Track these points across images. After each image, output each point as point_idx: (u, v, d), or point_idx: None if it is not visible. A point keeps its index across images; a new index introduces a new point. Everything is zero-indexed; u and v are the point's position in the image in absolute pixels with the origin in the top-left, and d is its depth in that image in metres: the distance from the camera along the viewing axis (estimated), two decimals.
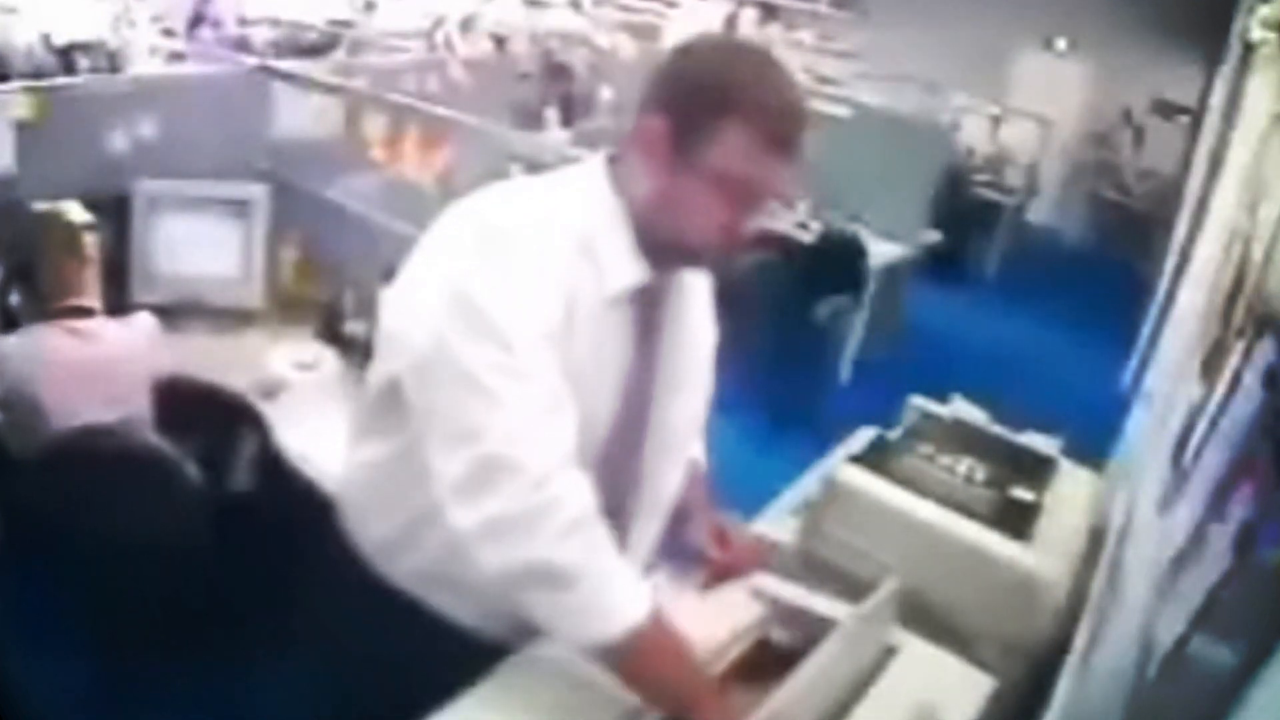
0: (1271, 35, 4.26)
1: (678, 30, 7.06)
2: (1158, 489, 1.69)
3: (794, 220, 5.15)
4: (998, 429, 1.88)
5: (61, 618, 2.45)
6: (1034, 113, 8.53)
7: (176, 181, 2.91)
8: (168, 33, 5.35)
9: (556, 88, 5.91)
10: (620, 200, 1.26)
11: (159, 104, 3.00)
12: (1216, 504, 1.17)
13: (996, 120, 8.45)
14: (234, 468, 2.73)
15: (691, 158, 1.21)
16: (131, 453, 2.32)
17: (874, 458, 1.61)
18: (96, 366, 2.31)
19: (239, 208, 2.98)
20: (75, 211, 2.45)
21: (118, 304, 2.51)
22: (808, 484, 1.86)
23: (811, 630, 1.32)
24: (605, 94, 6.00)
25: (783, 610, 1.41)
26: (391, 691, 1.28)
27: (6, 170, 2.64)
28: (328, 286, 3.04)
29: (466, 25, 6.55)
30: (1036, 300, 7.24)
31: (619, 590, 1.18)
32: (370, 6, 6.80)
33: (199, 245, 2.95)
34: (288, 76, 3.27)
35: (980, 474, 1.63)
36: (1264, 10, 4.39)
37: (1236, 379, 1.42)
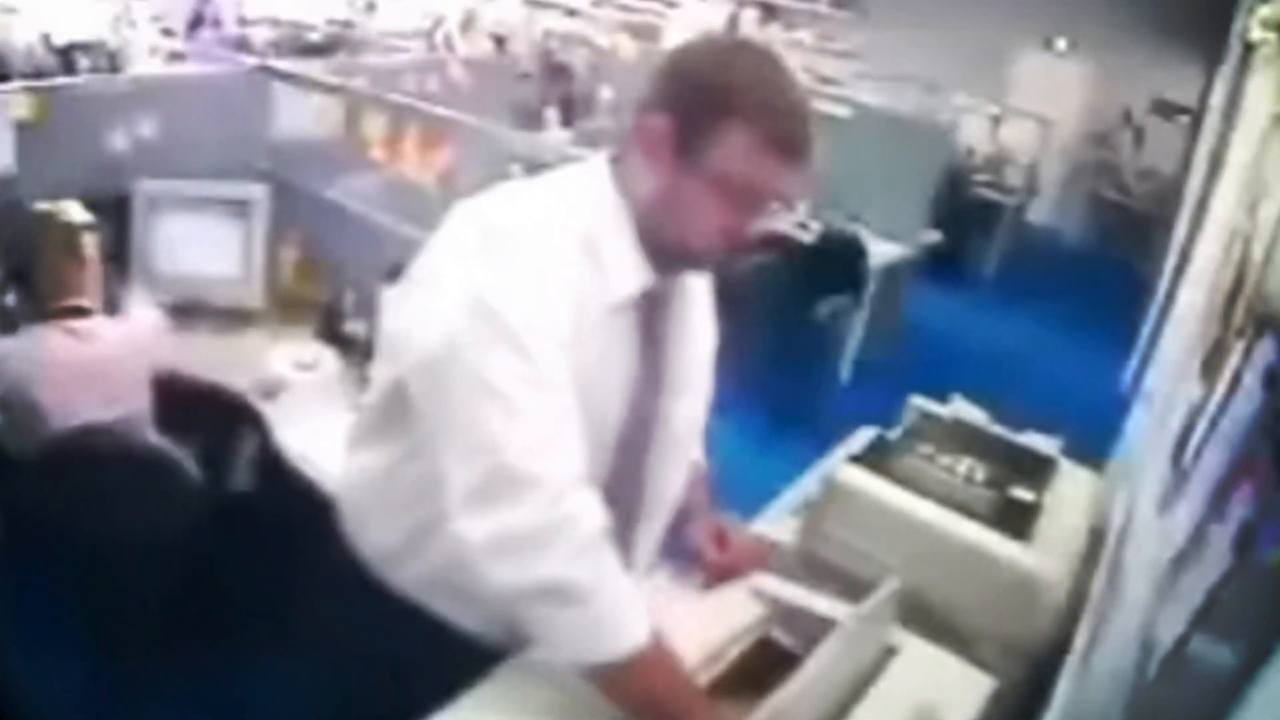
0: (1271, 35, 4.26)
1: (678, 30, 7.07)
2: (1158, 489, 1.69)
3: (794, 220, 5.14)
4: (998, 429, 1.88)
5: (61, 618, 2.45)
6: (1034, 113, 8.53)
7: (176, 181, 2.91)
8: (167, 33, 5.35)
9: (556, 88, 5.91)
10: (624, 201, 1.26)
11: (159, 104, 3.00)
12: (1216, 504, 1.17)
13: (996, 120, 8.45)
14: (234, 467, 2.73)
15: (694, 158, 1.20)
16: (131, 452, 2.32)
17: (874, 458, 1.61)
18: (95, 366, 2.31)
19: (239, 208, 2.98)
20: (73, 211, 2.45)
21: (118, 304, 2.50)
22: (808, 484, 1.86)
23: (812, 630, 1.32)
24: (605, 94, 5.99)
25: (783, 610, 1.41)
26: (390, 692, 1.28)
27: (6, 170, 2.64)
28: (328, 286, 3.03)
29: (466, 25, 6.55)
30: (1036, 300, 7.24)
31: (626, 609, 1.17)
32: (370, 7, 6.80)
33: (199, 245, 2.95)
34: (288, 76, 3.27)
35: (980, 474, 1.63)
36: (1264, 10, 4.39)
37: (1236, 379, 1.42)
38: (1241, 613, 0.93)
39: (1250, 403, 1.24)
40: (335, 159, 3.11)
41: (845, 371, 5.28)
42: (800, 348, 4.93)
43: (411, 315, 1.24)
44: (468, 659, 1.28)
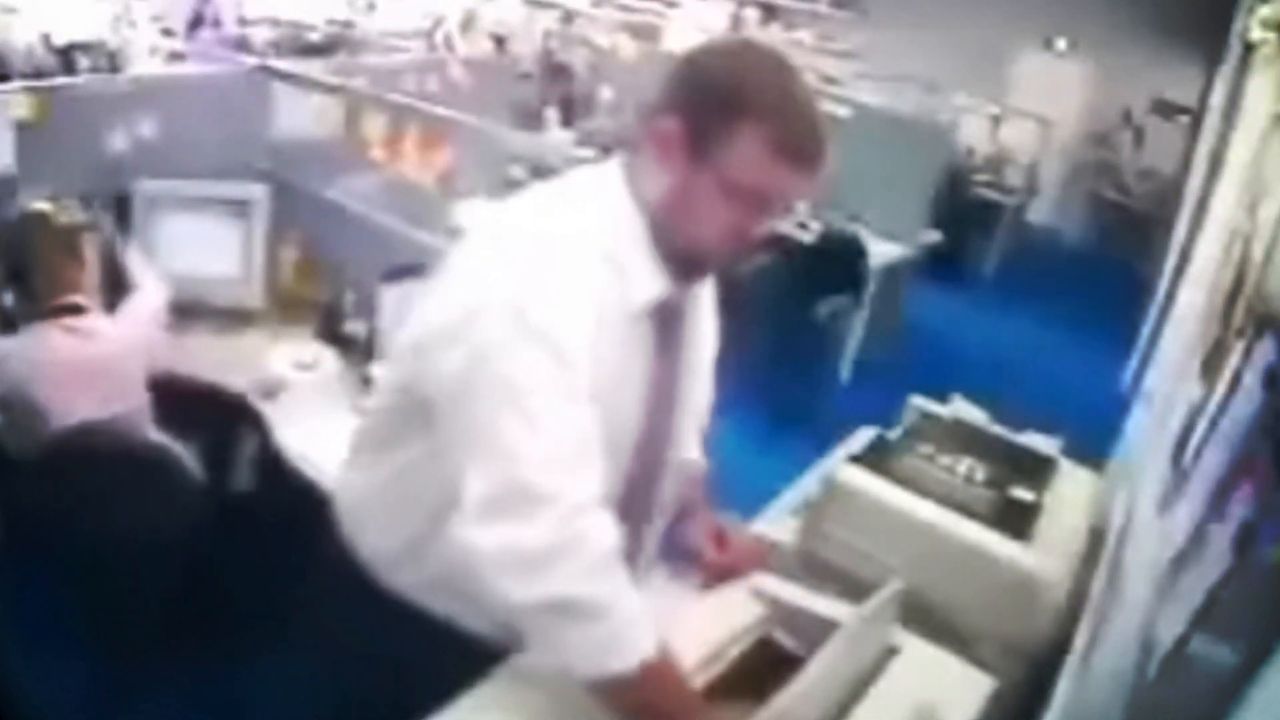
0: (1271, 35, 4.26)
1: (678, 30, 7.07)
2: (1158, 489, 1.69)
3: (794, 220, 5.14)
4: (998, 429, 1.88)
5: (61, 618, 2.45)
6: (1034, 113, 8.53)
7: (176, 181, 2.91)
8: (167, 33, 5.35)
9: (556, 88, 5.91)
10: (637, 206, 1.25)
11: (159, 104, 3.00)
12: (1216, 504, 1.17)
13: (996, 120, 8.45)
14: (234, 467, 2.74)
15: (707, 160, 1.20)
16: (131, 451, 2.32)
17: (874, 458, 1.61)
18: (94, 364, 2.31)
19: (239, 208, 2.98)
20: (69, 210, 2.45)
21: (117, 304, 2.50)
22: (808, 484, 1.86)
23: (812, 631, 1.32)
24: (605, 94, 5.99)
25: (783, 611, 1.41)
26: (390, 692, 1.28)
27: (6, 170, 2.64)
28: (328, 286, 3.03)
29: (466, 25, 6.55)
30: (1036, 300, 7.24)
31: (633, 625, 1.16)
32: (370, 6, 6.81)
33: (199, 245, 2.95)
34: (288, 76, 3.27)
35: (980, 474, 1.63)
36: (1264, 10, 4.39)
37: (1236, 379, 1.42)
38: (1241, 613, 0.93)
39: (1250, 403, 1.24)
40: (335, 159, 3.11)
41: (845, 371, 5.28)
42: (800, 348, 4.93)
43: (438, 321, 1.22)
44: (467, 659, 1.28)
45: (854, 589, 1.39)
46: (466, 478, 1.16)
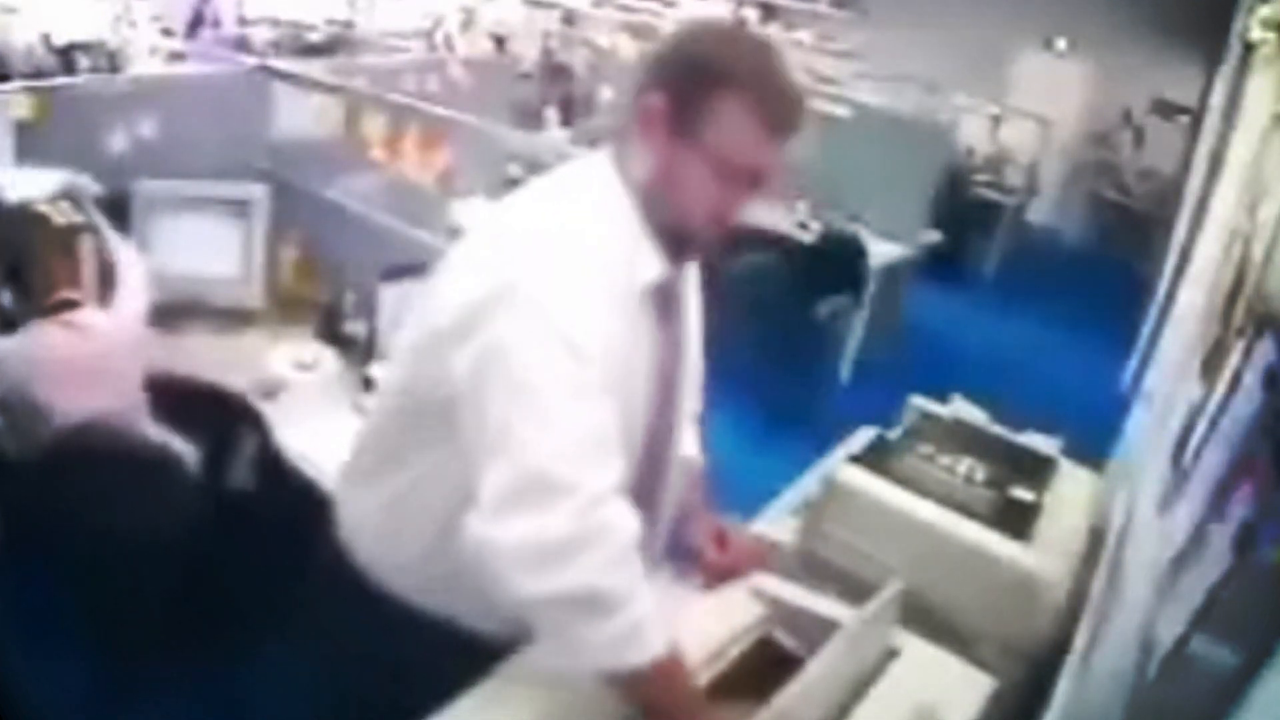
0: (1271, 35, 4.26)
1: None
2: (1158, 489, 1.69)
3: (794, 220, 5.15)
4: (998, 429, 1.88)
5: (61, 618, 2.45)
6: (1034, 113, 8.52)
7: (176, 181, 2.91)
8: (166, 32, 5.35)
9: (556, 88, 5.91)
10: (627, 188, 1.27)
11: (159, 104, 3.00)
12: (1216, 504, 1.17)
13: (996, 120, 8.45)
14: (234, 467, 2.73)
15: (689, 133, 1.22)
16: (130, 451, 2.32)
17: (874, 458, 1.61)
18: (93, 358, 2.30)
19: (239, 208, 2.98)
20: (63, 207, 2.45)
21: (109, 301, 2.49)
22: (808, 484, 1.86)
23: (812, 631, 1.32)
24: (605, 94, 6.00)
25: (784, 611, 1.41)
26: (390, 691, 1.28)
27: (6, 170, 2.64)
28: (328, 286, 3.03)
29: (466, 25, 6.56)
30: (1036, 300, 7.24)
31: (650, 619, 1.16)
32: (371, 5, 6.81)
33: (199, 245, 2.94)
34: (288, 76, 3.27)
35: (980, 474, 1.63)
36: (1264, 10, 4.39)
37: (1236, 379, 1.42)
38: (1241, 613, 0.93)
39: (1250, 403, 1.24)
40: (335, 159, 3.11)
41: (845, 371, 5.28)
42: (800, 348, 4.93)
43: (445, 319, 1.22)
44: (467, 659, 1.28)
45: (854, 589, 1.39)
46: (482, 474, 1.15)
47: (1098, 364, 5.71)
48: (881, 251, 5.12)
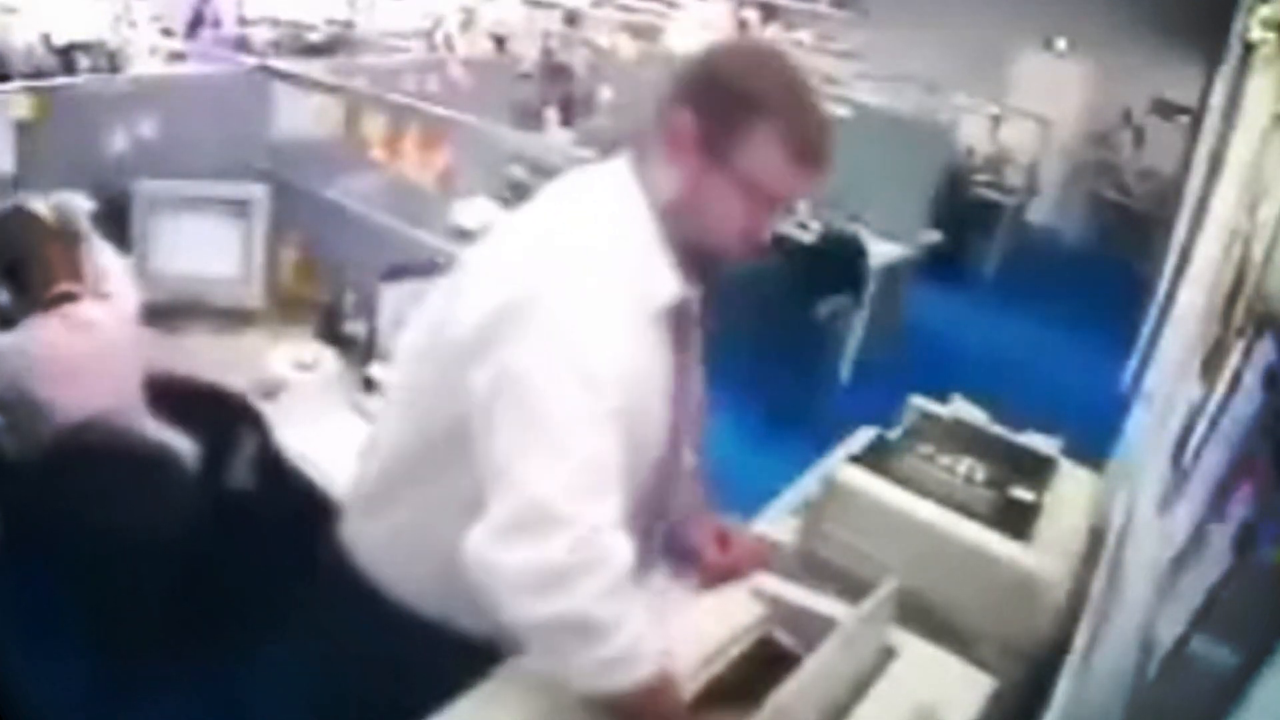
0: (1271, 35, 4.26)
1: (678, 30, 7.07)
2: (1158, 489, 1.69)
3: (794, 220, 5.15)
4: (998, 429, 1.88)
5: (61, 617, 2.45)
6: (1034, 113, 8.53)
7: (176, 181, 2.91)
8: (166, 32, 5.35)
9: (556, 88, 5.91)
10: (648, 203, 1.26)
11: (159, 104, 3.00)
12: (1216, 504, 1.17)
13: (996, 120, 8.45)
14: (234, 467, 2.73)
15: (720, 158, 1.22)
16: (130, 450, 2.32)
17: (874, 458, 1.61)
18: (91, 351, 2.30)
19: (239, 208, 2.98)
20: (61, 210, 2.45)
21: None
22: (808, 484, 1.86)
23: (812, 630, 1.32)
24: (605, 94, 6.00)
25: (783, 610, 1.41)
26: (389, 692, 1.28)
27: (6, 170, 2.64)
28: (328, 286, 3.03)
29: (466, 25, 6.56)
30: (1036, 300, 7.24)
31: (640, 644, 1.17)
32: (371, 5, 6.80)
33: (199, 245, 2.95)
34: (288, 76, 3.28)
35: (980, 474, 1.63)
36: (1264, 10, 4.39)
37: (1236, 379, 1.42)
38: (1241, 613, 0.93)
39: (1250, 403, 1.24)
40: (335, 159, 3.11)
41: (845, 371, 5.28)
42: (800, 348, 4.93)
43: (462, 336, 1.21)
44: (467, 659, 1.28)
45: (854, 589, 1.39)
46: (489, 497, 1.16)
47: (1098, 364, 5.71)
48: (881, 251, 5.12)
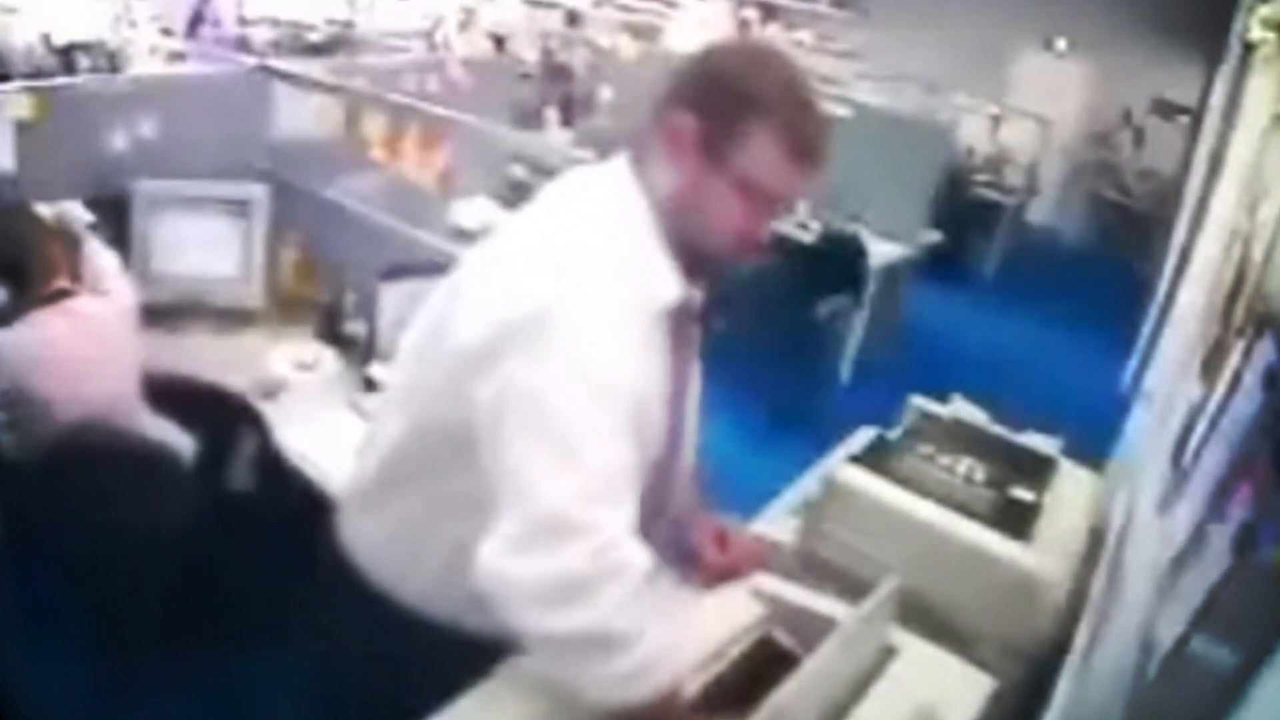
0: (1271, 35, 4.26)
1: (678, 30, 7.07)
2: (1158, 489, 1.69)
3: (794, 220, 5.15)
4: (998, 429, 1.88)
5: (61, 617, 2.45)
6: (1034, 113, 8.53)
7: (176, 181, 2.91)
8: (166, 32, 5.35)
9: (556, 88, 5.91)
10: (648, 204, 1.26)
11: (159, 104, 3.00)
12: (1216, 504, 1.17)
13: (996, 120, 8.45)
14: (234, 467, 2.73)
15: (719, 157, 1.22)
16: (130, 450, 2.32)
17: (874, 458, 1.61)
18: (90, 344, 2.30)
19: (239, 208, 2.98)
20: (61, 212, 2.46)
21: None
22: (808, 484, 1.86)
23: (811, 630, 1.32)
24: (605, 94, 5.99)
25: (783, 610, 1.41)
26: (389, 691, 1.28)
27: (6, 170, 2.64)
28: (328, 286, 3.03)
29: (464, 25, 6.55)
30: (1036, 300, 7.24)
31: (657, 656, 1.17)
32: (371, 5, 6.80)
33: (199, 245, 2.95)
34: (288, 76, 3.27)
35: (980, 474, 1.63)
36: (1264, 10, 4.39)
37: (1236, 379, 1.42)
38: (1241, 613, 0.93)
39: (1250, 403, 1.24)
40: (335, 159, 3.11)
41: (845, 371, 5.28)
42: (800, 348, 4.93)
43: (467, 343, 1.20)
44: (467, 659, 1.28)
45: (854, 589, 1.39)
46: (500, 509, 1.15)
47: (1098, 364, 5.71)
48: (881, 251, 5.12)
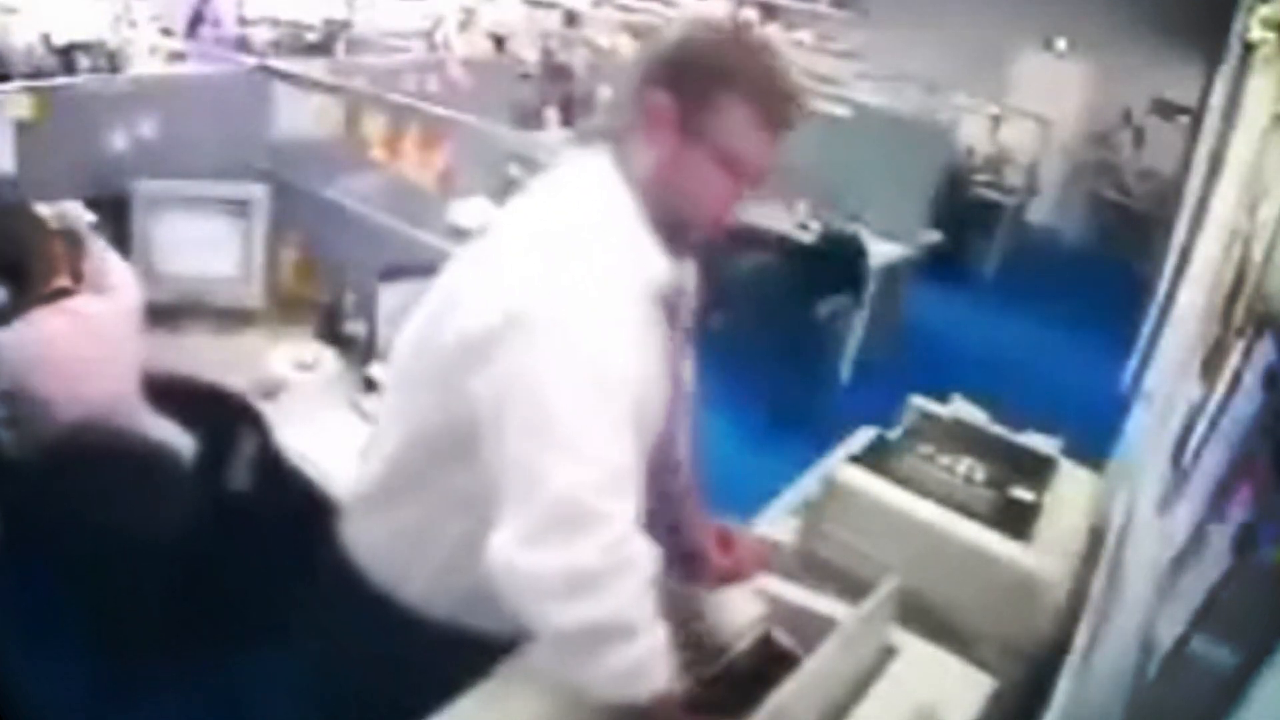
0: (1271, 35, 4.26)
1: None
2: (1158, 489, 1.69)
3: (794, 220, 5.15)
4: (998, 429, 1.88)
5: (61, 617, 2.45)
6: (1034, 113, 8.53)
7: (176, 181, 2.91)
8: (165, 32, 5.35)
9: (556, 88, 5.91)
10: (631, 188, 1.27)
11: (159, 104, 3.00)
12: (1216, 504, 1.17)
13: (996, 120, 8.45)
14: (234, 467, 2.73)
15: (695, 132, 1.25)
16: (130, 450, 2.32)
17: (874, 458, 1.62)
18: (90, 343, 2.30)
19: (239, 208, 2.98)
20: (61, 212, 2.46)
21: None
22: (808, 484, 1.86)
23: (811, 630, 1.32)
24: (605, 94, 5.99)
25: (783, 610, 1.41)
26: (389, 691, 1.28)
27: (6, 170, 2.64)
28: (328, 286, 3.04)
29: (464, 25, 6.55)
30: (1036, 300, 7.24)
31: (659, 652, 1.18)
32: (371, 5, 6.79)
33: (199, 245, 2.95)
34: (288, 76, 3.27)
35: (980, 474, 1.63)
36: (1264, 10, 4.39)
37: (1236, 379, 1.42)
38: (1241, 613, 0.93)
39: (1250, 403, 1.24)
40: (335, 159, 3.11)
41: (845, 371, 5.28)
42: (800, 348, 4.93)
43: (461, 337, 1.20)
44: (467, 658, 1.28)
45: (854, 589, 1.39)
46: (507, 503, 1.15)
47: (1098, 364, 5.71)
48: (881, 251, 5.12)
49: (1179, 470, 1.57)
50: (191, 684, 2.37)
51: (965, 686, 1.31)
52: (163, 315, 2.70)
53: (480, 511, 1.17)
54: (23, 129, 2.67)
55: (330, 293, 3.00)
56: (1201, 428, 1.52)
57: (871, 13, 9.86)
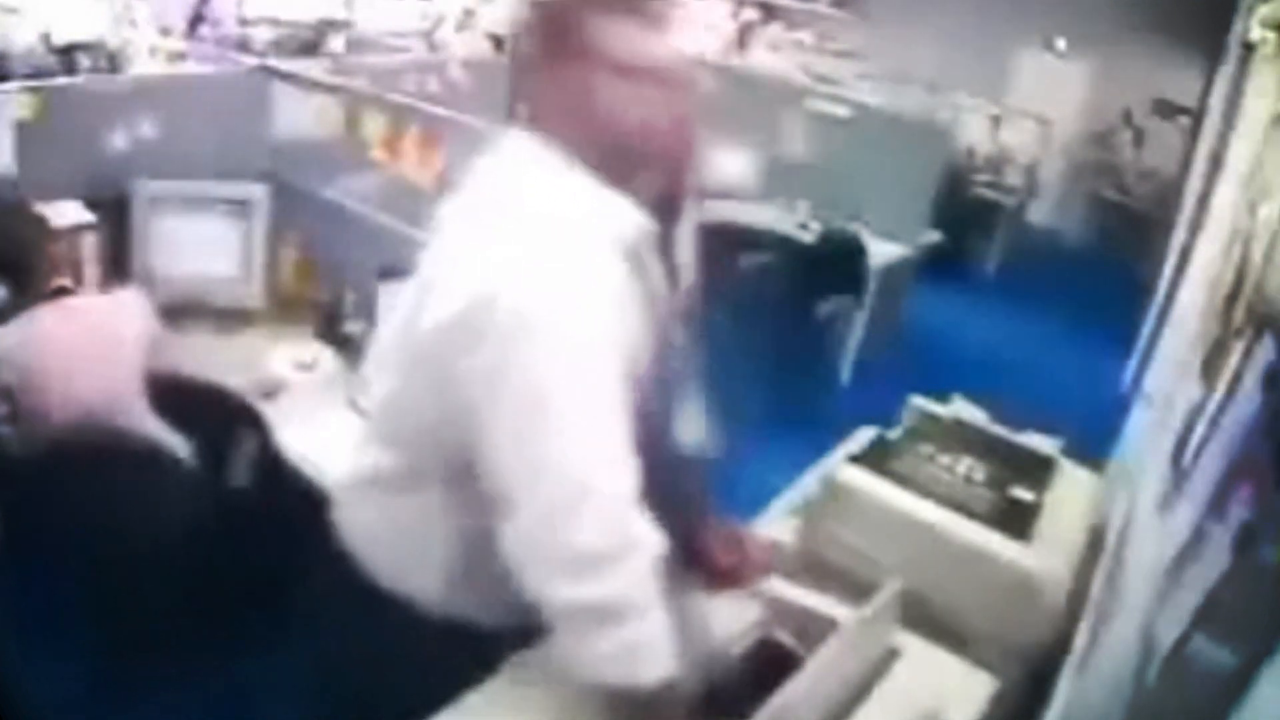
0: (1271, 35, 4.26)
1: (677, 31, 7.04)
2: (1158, 489, 1.68)
3: (794, 220, 5.14)
4: (998, 429, 1.88)
5: (61, 617, 2.45)
6: (1034, 113, 8.53)
7: (176, 181, 2.91)
8: (166, 32, 5.35)
9: None
10: (563, 152, 1.25)
11: (159, 104, 3.00)
12: (1216, 504, 1.17)
13: (996, 120, 8.45)
14: (233, 467, 2.73)
15: (579, 57, 1.23)
16: (130, 450, 2.32)
17: (874, 458, 1.62)
18: (90, 343, 2.30)
19: (239, 208, 2.98)
20: (62, 211, 2.46)
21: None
22: (808, 484, 1.86)
23: (813, 631, 1.32)
24: None
25: (784, 611, 1.41)
26: (391, 689, 1.28)
27: (6, 170, 2.64)
28: (328, 286, 3.03)
29: (462, 25, 6.55)
30: (1036, 300, 7.23)
31: (664, 638, 1.18)
32: (371, 5, 6.79)
33: (199, 245, 2.95)
34: (288, 76, 3.27)
35: (980, 474, 1.63)
36: (1264, 10, 4.39)
37: (1236, 379, 1.42)
38: (1241, 613, 0.93)
39: (1250, 403, 1.24)
40: (335, 159, 3.11)
41: (845, 371, 5.27)
42: (800, 348, 4.92)
43: (442, 324, 1.20)
44: (470, 655, 1.28)
45: (854, 589, 1.39)
46: (512, 489, 1.16)
47: (1098, 364, 5.70)
48: (881, 251, 5.12)
49: (1179, 470, 1.57)
50: (192, 683, 2.37)
51: (967, 687, 1.31)
52: (163, 315, 2.70)
53: (481, 505, 1.18)
54: (23, 129, 2.66)
55: (330, 292, 3.00)
56: (1201, 428, 1.51)
57: (871, 13, 9.85)
